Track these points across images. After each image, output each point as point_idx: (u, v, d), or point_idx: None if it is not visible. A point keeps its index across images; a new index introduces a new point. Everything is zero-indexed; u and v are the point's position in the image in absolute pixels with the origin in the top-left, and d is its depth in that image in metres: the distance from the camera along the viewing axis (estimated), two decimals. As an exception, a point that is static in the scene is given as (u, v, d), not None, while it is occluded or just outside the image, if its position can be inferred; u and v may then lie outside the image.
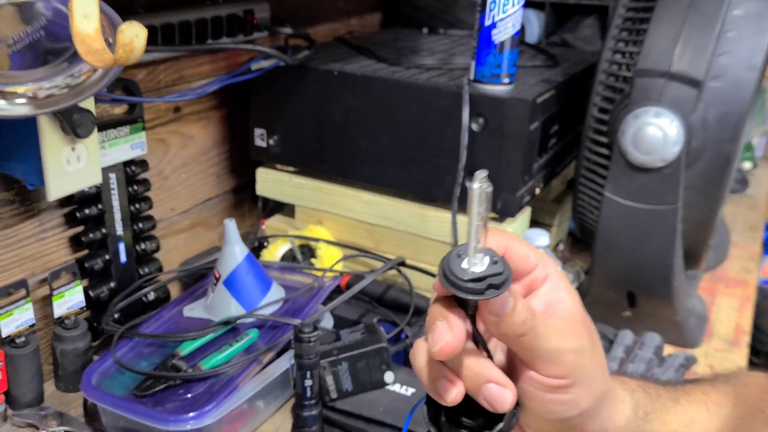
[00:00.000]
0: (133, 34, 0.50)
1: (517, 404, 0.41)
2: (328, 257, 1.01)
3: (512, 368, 0.42)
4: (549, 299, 0.42)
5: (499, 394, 0.39)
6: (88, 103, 0.76)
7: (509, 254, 0.42)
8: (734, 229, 1.44)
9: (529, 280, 0.43)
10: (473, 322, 0.40)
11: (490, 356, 0.41)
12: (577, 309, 0.43)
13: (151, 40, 0.89)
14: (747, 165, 1.87)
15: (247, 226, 1.23)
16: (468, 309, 0.40)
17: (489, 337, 0.42)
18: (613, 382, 0.45)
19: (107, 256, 0.92)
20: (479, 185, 0.36)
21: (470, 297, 0.37)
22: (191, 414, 0.73)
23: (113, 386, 0.79)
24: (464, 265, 0.37)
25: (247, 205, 1.23)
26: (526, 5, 0.92)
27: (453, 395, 0.40)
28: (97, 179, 0.82)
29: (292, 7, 1.23)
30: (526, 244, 0.43)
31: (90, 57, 0.52)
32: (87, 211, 0.88)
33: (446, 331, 0.38)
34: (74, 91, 0.61)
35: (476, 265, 0.37)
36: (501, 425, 0.41)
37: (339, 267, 0.99)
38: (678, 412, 0.49)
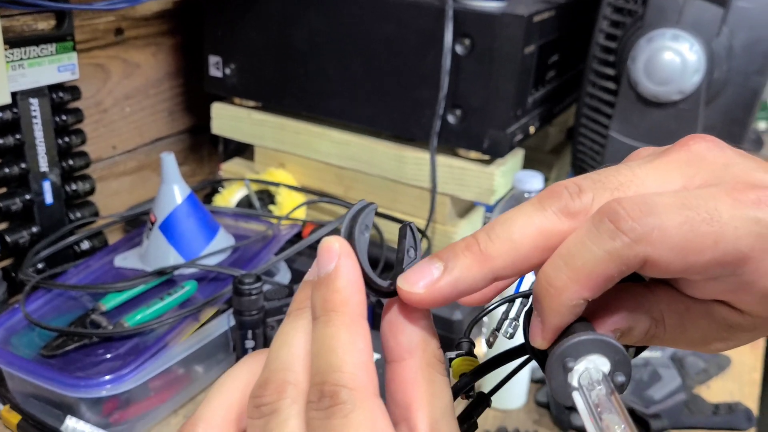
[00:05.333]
0: None
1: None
2: (289, 204, 0.88)
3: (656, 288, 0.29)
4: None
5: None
6: (-16, 1, 0.63)
7: None
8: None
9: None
10: None
11: None
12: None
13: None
14: (762, 125, 1.73)
15: (206, 173, 1.10)
16: None
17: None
18: None
19: (28, 196, 0.79)
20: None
21: None
22: (107, 377, 0.60)
23: (21, 345, 0.66)
24: None
25: (207, 148, 1.09)
26: None
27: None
28: (4, 98, 0.68)
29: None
30: None
31: None
32: (0, 140, 0.75)
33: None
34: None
35: None
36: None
37: (300, 214, 0.85)
38: None
